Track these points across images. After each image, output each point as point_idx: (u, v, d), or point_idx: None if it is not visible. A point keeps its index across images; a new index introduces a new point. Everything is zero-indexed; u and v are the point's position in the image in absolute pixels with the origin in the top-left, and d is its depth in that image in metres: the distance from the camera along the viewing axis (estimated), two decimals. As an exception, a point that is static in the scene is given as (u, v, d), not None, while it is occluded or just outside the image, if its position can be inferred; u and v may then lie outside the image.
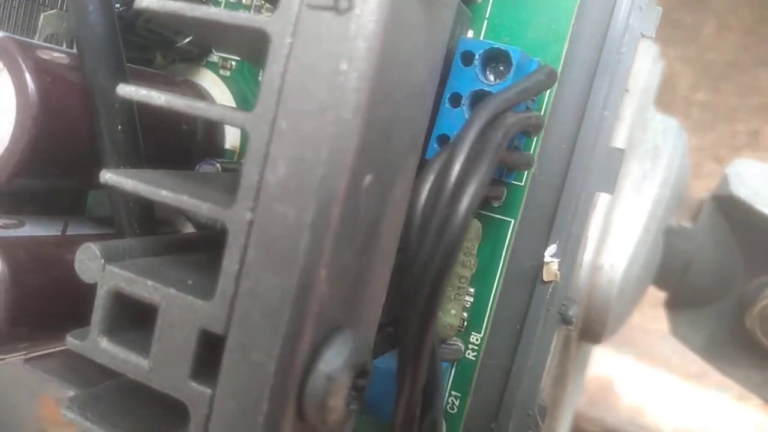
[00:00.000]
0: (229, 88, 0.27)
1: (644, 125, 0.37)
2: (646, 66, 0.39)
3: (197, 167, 0.23)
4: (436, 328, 0.18)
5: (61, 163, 0.21)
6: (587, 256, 0.33)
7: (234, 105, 0.27)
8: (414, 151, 0.19)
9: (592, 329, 0.34)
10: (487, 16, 0.24)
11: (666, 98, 1.03)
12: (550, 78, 0.21)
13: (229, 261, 0.16)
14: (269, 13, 0.26)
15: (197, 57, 0.27)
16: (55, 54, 0.21)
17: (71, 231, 0.22)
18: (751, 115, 0.98)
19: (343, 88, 0.15)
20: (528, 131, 0.21)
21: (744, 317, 0.35)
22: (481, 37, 0.24)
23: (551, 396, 0.35)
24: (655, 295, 0.43)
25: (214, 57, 0.27)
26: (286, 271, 0.15)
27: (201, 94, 0.26)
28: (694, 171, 0.99)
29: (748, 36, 1.01)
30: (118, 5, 0.23)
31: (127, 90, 0.17)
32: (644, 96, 0.38)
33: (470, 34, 0.24)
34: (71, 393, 0.30)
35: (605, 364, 0.65)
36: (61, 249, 0.21)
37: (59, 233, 0.21)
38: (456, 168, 0.17)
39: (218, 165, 0.23)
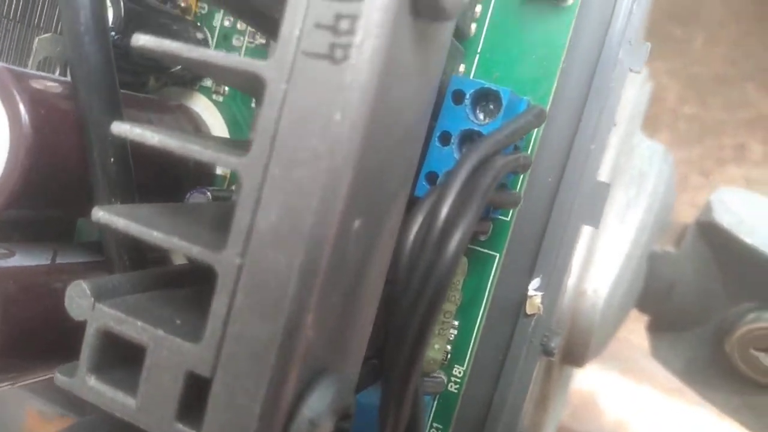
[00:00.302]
0: (222, 113, 0.27)
1: (631, 151, 0.38)
2: (633, 92, 0.40)
3: (188, 195, 0.24)
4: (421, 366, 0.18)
5: (54, 194, 0.21)
6: (571, 281, 0.33)
7: (226, 130, 0.27)
8: (404, 189, 0.20)
9: (575, 353, 0.34)
10: (479, 50, 0.24)
11: (653, 111, 1.03)
12: (539, 118, 0.21)
13: (218, 305, 0.16)
14: (263, 41, 0.27)
15: (190, 81, 0.27)
16: (49, 83, 0.21)
17: (61, 259, 0.22)
18: (738, 129, 0.99)
19: (337, 138, 0.15)
20: (516, 170, 0.21)
21: (723, 343, 0.36)
22: (473, 71, 0.24)
23: (532, 419, 0.35)
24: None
25: (207, 81, 0.28)
26: (273, 316, 0.15)
27: (194, 120, 0.27)
28: (680, 184, 1.00)
29: (736, 50, 1.02)
30: (113, 33, 0.23)
31: (121, 128, 0.18)
32: (631, 122, 0.38)
33: (462, 68, 0.24)
34: (56, 408, 0.30)
35: (589, 379, 0.66)
36: (50, 278, 0.21)
37: (49, 262, 0.22)
38: (444, 211, 0.18)
39: (209, 194, 0.24)
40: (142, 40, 0.18)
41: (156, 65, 0.26)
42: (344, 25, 0.15)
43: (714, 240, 0.35)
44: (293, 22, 0.16)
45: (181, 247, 0.17)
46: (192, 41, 0.26)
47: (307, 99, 0.16)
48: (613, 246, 0.35)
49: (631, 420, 0.66)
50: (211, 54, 0.17)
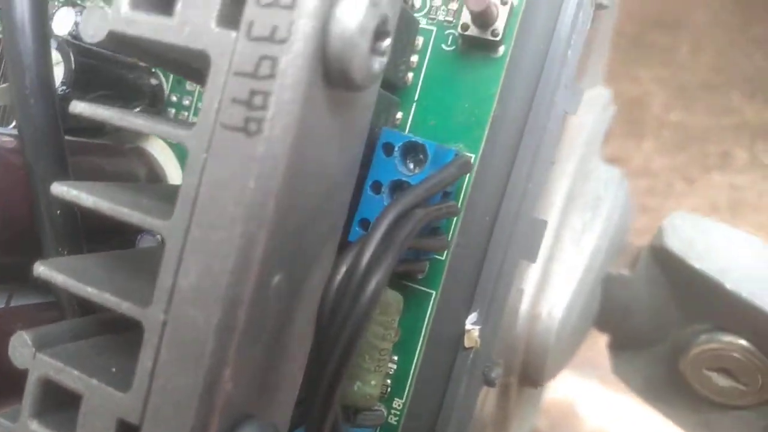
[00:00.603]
0: (176, 155, 0.28)
1: (587, 176, 0.39)
2: (592, 116, 0.41)
3: (139, 238, 0.25)
4: (338, 410, 0.19)
5: (7, 243, 0.22)
6: (525, 306, 0.35)
7: (180, 172, 0.28)
8: (331, 240, 0.21)
9: (531, 375, 0.36)
10: (416, 98, 0.25)
11: (639, 118, 1.05)
12: (463, 169, 0.22)
13: (144, 358, 0.17)
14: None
15: (147, 122, 0.29)
16: (3, 138, 0.22)
17: (16, 302, 0.23)
18: (723, 137, 0.99)
19: (251, 204, 0.17)
20: (441, 218, 0.23)
21: (678, 362, 0.37)
22: (410, 119, 0.25)
23: (492, 438, 0.37)
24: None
25: (164, 123, 0.29)
26: (194, 370, 0.17)
27: (149, 162, 0.28)
28: (665, 191, 1.01)
29: (720, 58, 1.03)
30: (64, 87, 0.24)
31: (59, 190, 0.19)
32: (589, 146, 0.39)
33: (399, 115, 0.25)
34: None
35: (568, 388, 0.67)
36: (3, 321, 0.22)
37: (3, 305, 0.23)
38: (363, 263, 0.19)
39: (159, 236, 0.25)
40: (79, 107, 0.19)
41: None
42: (257, 100, 0.17)
43: (666, 264, 0.36)
44: (212, 96, 0.17)
45: (112, 303, 0.18)
46: (146, 87, 0.27)
47: (224, 168, 0.17)
48: (568, 270, 0.36)
49: (610, 428, 0.67)
50: (140, 123, 0.18)
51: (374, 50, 0.18)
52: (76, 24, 0.26)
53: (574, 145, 0.38)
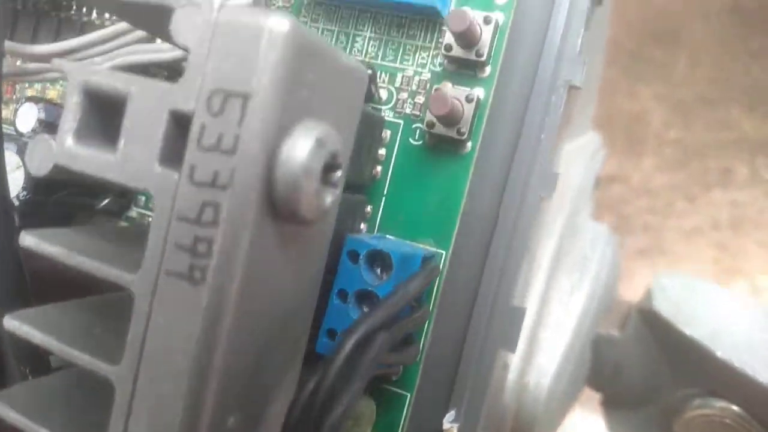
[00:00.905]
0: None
1: (575, 233, 0.38)
2: (580, 167, 0.40)
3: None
4: None
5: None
6: (512, 376, 0.34)
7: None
8: (293, 364, 0.20)
9: (520, 444, 0.35)
10: (385, 192, 0.25)
11: (638, 136, 1.03)
12: (431, 276, 0.22)
13: None
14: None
15: (117, 212, 0.28)
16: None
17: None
18: (723, 153, 0.98)
19: (197, 355, 0.16)
20: (409, 331, 0.22)
21: (672, 424, 0.36)
22: (380, 213, 0.25)
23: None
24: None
25: (133, 212, 0.28)
26: None
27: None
28: (665, 210, 0.99)
29: (718, 71, 1.02)
30: (24, 192, 0.24)
31: (10, 325, 0.18)
32: (578, 199, 0.39)
33: (369, 209, 0.25)
34: None
35: (574, 424, 0.66)
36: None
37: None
38: (318, 401, 0.19)
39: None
40: (27, 240, 0.18)
41: (79, 205, 0.27)
42: (201, 248, 0.16)
43: (655, 327, 0.35)
44: (157, 239, 0.16)
45: (63, 448, 0.17)
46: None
47: (169, 316, 0.16)
48: (556, 335, 0.35)
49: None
50: (87, 264, 0.18)
51: (325, 183, 0.17)
52: (39, 121, 0.26)
53: (562, 201, 0.37)
